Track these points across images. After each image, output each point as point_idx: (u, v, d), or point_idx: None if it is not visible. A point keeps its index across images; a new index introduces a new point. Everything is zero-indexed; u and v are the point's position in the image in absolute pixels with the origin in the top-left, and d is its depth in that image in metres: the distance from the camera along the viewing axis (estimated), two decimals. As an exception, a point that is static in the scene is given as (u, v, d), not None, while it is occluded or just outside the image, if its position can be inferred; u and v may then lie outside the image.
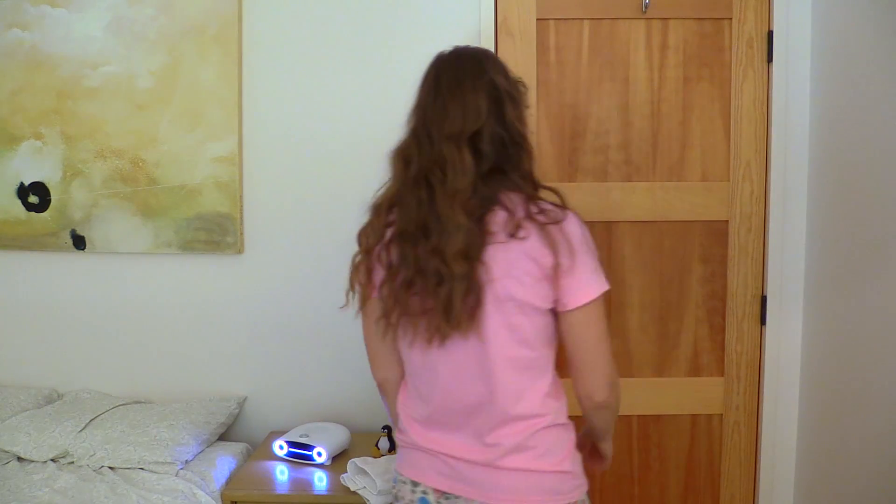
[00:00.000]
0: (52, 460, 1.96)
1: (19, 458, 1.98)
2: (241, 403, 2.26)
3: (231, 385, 2.29)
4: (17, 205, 2.26)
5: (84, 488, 1.79)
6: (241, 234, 2.23)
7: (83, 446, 1.95)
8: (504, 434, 1.27)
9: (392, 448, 2.00)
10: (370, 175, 2.20)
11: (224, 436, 2.21)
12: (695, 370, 2.18)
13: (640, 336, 2.17)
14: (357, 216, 2.19)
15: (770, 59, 2.08)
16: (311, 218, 2.23)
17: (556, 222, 1.23)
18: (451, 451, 1.30)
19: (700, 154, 2.14)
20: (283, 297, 2.25)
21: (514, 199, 1.25)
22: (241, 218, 2.22)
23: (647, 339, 2.17)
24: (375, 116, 2.19)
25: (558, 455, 1.29)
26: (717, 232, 2.15)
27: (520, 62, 2.10)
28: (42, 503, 1.73)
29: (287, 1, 2.18)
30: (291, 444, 1.98)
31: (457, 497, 1.30)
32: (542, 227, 1.22)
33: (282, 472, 1.92)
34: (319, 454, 1.95)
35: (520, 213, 1.23)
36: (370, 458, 1.86)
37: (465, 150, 1.23)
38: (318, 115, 2.20)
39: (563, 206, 1.27)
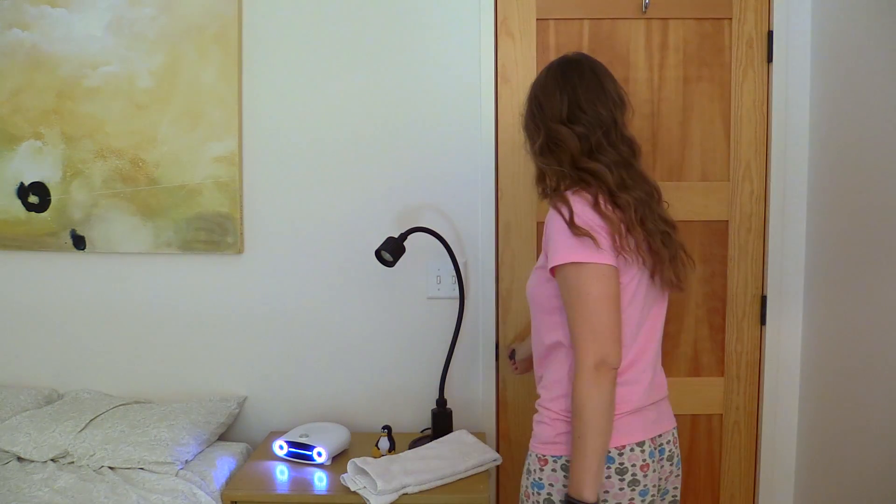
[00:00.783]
0: (52, 460, 1.95)
1: (19, 458, 1.98)
2: (241, 403, 2.26)
3: (231, 385, 2.29)
4: (17, 205, 2.26)
5: (84, 488, 1.79)
6: (241, 234, 2.23)
7: (83, 446, 1.95)
8: (661, 372, 1.52)
9: (392, 448, 2.00)
10: (370, 175, 2.22)
11: (224, 436, 2.21)
12: (695, 370, 2.19)
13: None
14: (357, 216, 2.21)
15: (770, 59, 2.08)
16: (311, 218, 2.23)
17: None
18: (659, 394, 1.49)
19: (700, 154, 2.14)
20: (283, 297, 2.25)
21: None
22: (241, 218, 2.22)
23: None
24: (375, 116, 2.19)
25: None
26: (718, 232, 2.15)
27: (520, 62, 2.10)
28: (42, 503, 1.73)
29: (287, 1, 2.18)
30: (291, 444, 1.98)
31: (664, 433, 1.47)
32: None
33: (282, 472, 1.92)
34: (319, 454, 1.95)
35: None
36: (370, 458, 1.86)
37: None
38: (318, 115, 2.20)
39: None
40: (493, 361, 2.23)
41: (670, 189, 2.12)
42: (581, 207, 1.36)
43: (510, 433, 2.25)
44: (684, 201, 2.13)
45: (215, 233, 2.21)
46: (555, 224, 1.38)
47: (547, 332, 1.46)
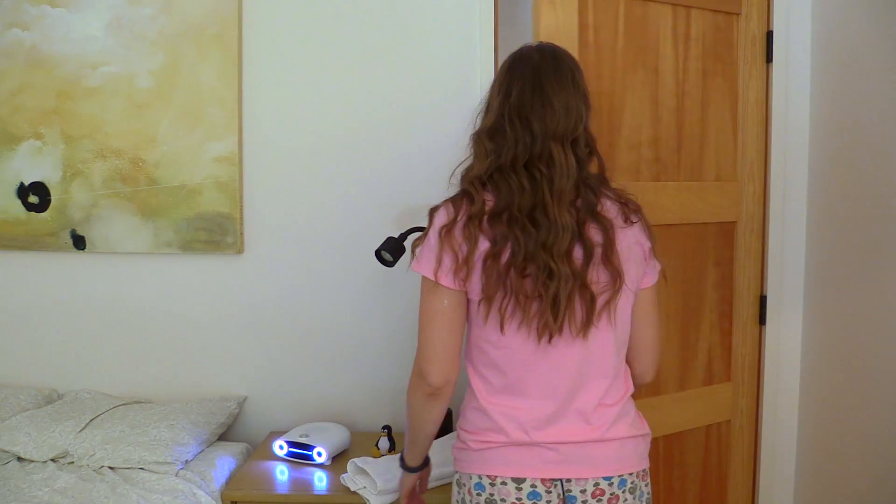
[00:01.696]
0: (52, 460, 1.95)
1: (19, 458, 1.98)
2: (241, 403, 2.26)
3: (231, 385, 2.29)
4: (17, 205, 2.26)
5: (84, 488, 1.79)
6: (241, 234, 2.23)
7: (83, 446, 1.95)
8: (606, 410, 1.33)
9: (392, 448, 2.00)
10: (370, 174, 2.22)
11: (224, 436, 2.21)
12: (708, 378, 2.09)
13: (665, 349, 2.00)
14: (357, 216, 2.21)
15: (770, 59, 2.08)
16: (311, 218, 2.23)
17: (640, 211, 1.36)
18: (559, 437, 1.30)
19: (714, 152, 2.05)
20: (282, 297, 2.25)
21: (610, 194, 1.35)
22: (241, 218, 2.22)
23: (672, 351, 2.04)
24: (375, 116, 2.19)
25: (639, 420, 1.40)
26: (726, 233, 2.07)
27: (561, 30, 1.82)
28: (42, 503, 1.73)
29: (287, 1, 2.18)
30: (291, 444, 1.98)
31: (567, 480, 1.30)
32: (639, 215, 1.35)
33: (282, 472, 1.92)
34: (319, 454, 1.95)
35: (619, 203, 1.34)
36: (370, 458, 1.86)
37: (570, 153, 1.27)
38: (317, 115, 2.20)
39: (634, 201, 1.38)
40: (493, 361, 2.22)
41: (693, 189, 2.01)
42: (440, 221, 1.29)
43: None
44: (703, 202, 2.02)
45: (215, 233, 2.21)
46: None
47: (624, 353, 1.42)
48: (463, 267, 1.25)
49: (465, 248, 1.25)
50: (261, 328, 2.26)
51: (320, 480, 1.87)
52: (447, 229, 1.27)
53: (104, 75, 2.20)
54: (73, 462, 1.95)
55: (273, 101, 2.20)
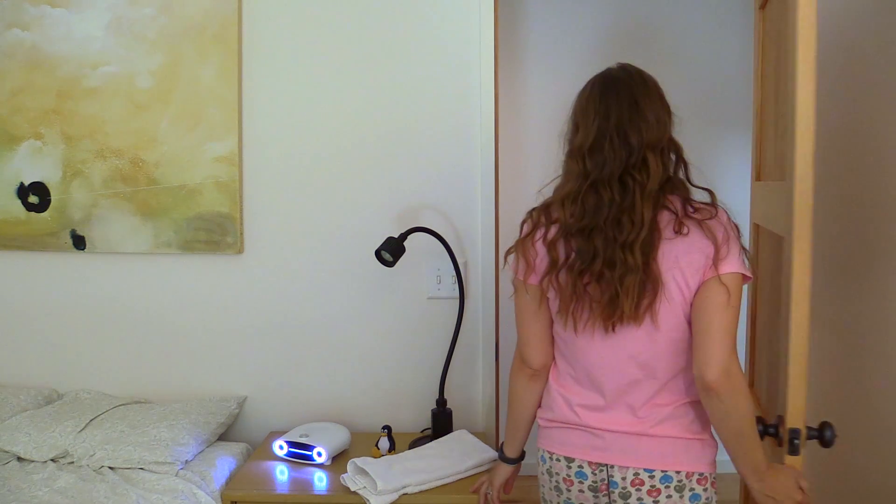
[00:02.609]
0: (52, 460, 1.96)
1: (19, 458, 1.98)
2: (241, 403, 2.26)
3: (231, 385, 2.29)
4: (17, 205, 2.26)
5: (84, 488, 1.79)
6: (241, 234, 2.23)
7: (83, 446, 1.95)
8: (657, 409, 1.43)
9: (392, 448, 2.00)
10: (370, 174, 2.22)
11: (224, 436, 2.21)
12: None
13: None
14: (357, 216, 2.21)
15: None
16: (311, 218, 2.23)
17: (711, 218, 1.38)
18: (607, 425, 1.44)
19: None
20: (283, 297, 2.25)
21: (675, 201, 1.41)
22: (241, 218, 2.22)
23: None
24: (375, 116, 2.19)
25: (698, 425, 1.44)
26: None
27: None
28: (42, 503, 1.73)
29: (287, 1, 2.18)
30: (291, 444, 1.98)
31: (611, 466, 1.42)
32: (699, 223, 1.38)
33: (282, 472, 1.92)
34: (319, 454, 1.95)
35: (680, 212, 1.39)
36: (370, 458, 1.86)
37: (658, 158, 1.39)
38: (317, 115, 2.20)
39: (714, 205, 1.41)
40: (493, 361, 2.23)
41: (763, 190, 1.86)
42: (525, 230, 1.50)
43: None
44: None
45: (215, 233, 2.21)
46: (731, 223, 1.43)
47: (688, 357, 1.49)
48: (542, 269, 1.44)
49: (542, 253, 1.45)
50: (261, 328, 2.27)
51: (320, 480, 1.87)
52: (531, 238, 1.47)
53: (104, 75, 2.20)
54: (73, 462, 1.95)
55: (273, 101, 2.20)
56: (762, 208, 1.80)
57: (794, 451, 1.34)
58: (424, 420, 2.21)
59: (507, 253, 1.53)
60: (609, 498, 1.43)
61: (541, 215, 1.48)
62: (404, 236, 2.04)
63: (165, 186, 2.21)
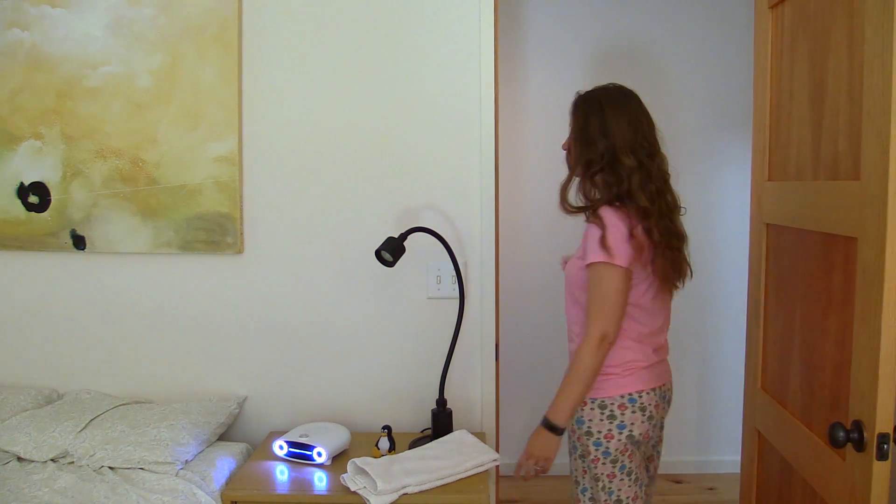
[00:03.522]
0: (52, 460, 1.96)
1: (19, 458, 1.98)
2: (241, 403, 2.26)
3: (231, 385, 2.29)
4: (17, 205, 2.26)
5: (84, 488, 1.79)
6: (241, 234, 2.23)
7: (83, 446, 1.95)
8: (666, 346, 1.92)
9: (392, 448, 2.00)
10: (370, 174, 2.22)
11: (224, 436, 2.21)
12: None
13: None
14: (357, 216, 2.21)
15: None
16: (311, 218, 2.23)
17: None
18: (663, 357, 1.89)
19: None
20: (282, 297, 2.25)
21: None
22: (241, 218, 2.22)
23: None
24: (375, 115, 2.19)
25: None
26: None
27: None
28: (42, 503, 1.73)
29: (287, 1, 2.18)
30: (291, 444, 1.98)
31: (667, 384, 1.90)
32: None
33: (282, 472, 1.92)
34: (319, 454, 1.95)
35: None
36: (370, 458, 1.86)
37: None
38: (317, 115, 2.20)
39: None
40: (493, 361, 2.23)
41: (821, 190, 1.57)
42: (613, 222, 1.69)
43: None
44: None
45: (215, 233, 2.21)
46: (592, 232, 1.72)
47: (579, 304, 1.83)
48: (638, 254, 1.70)
49: (641, 241, 1.71)
50: (261, 328, 2.27)
51: (320, 480, 1.87)
52: (629, 229, 1.70)
53: (104, 75, 2.20)
54: (73, 462, 1.95)
55: (273, 101, 2.20)
56: (778, 207, 1.77)
57: (882, 456, 1.29)
58: (424, 420, 2.21)
59: (602, 243, 1.68)
60: (669, 405, 1.90)
61: (622, 207, 1.72)
62: (404, 236, 2.04)
63: (165, 186, 2.21)
